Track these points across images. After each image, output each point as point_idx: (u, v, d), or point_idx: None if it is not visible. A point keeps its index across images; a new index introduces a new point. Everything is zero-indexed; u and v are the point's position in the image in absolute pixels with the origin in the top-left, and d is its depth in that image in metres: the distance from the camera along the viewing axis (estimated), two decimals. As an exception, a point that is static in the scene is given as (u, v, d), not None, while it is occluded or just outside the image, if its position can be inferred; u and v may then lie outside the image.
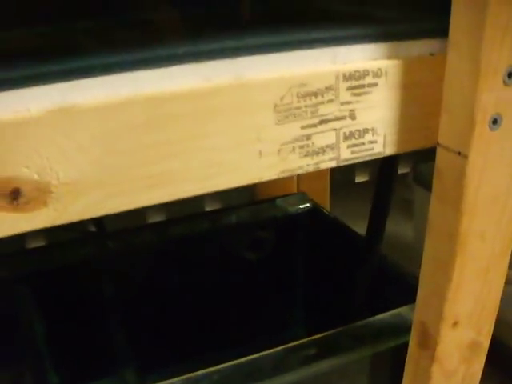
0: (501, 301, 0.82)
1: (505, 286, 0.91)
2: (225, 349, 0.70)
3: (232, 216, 0.73)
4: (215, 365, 0.48)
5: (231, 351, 0.61)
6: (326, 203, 0.88)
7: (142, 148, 0.31)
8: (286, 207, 0.76)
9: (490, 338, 0.47)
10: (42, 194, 0.30)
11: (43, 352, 0.65)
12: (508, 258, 0.44)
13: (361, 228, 0.68)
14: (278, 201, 0.77)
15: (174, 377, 0.48)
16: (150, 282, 0.70)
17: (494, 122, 0.37)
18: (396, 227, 1.16)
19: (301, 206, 0.77)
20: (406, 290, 0.50)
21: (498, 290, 0.44)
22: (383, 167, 0.58)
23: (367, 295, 0.62)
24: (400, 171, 1.22)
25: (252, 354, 0.49)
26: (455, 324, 0.43)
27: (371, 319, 0.52)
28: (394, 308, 0.54)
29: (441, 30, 0.37)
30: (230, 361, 0.48)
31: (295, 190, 0.82)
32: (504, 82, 0.37)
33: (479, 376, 0.48)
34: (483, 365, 0.47)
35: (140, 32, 0.34)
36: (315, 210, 0.77)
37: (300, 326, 0.79)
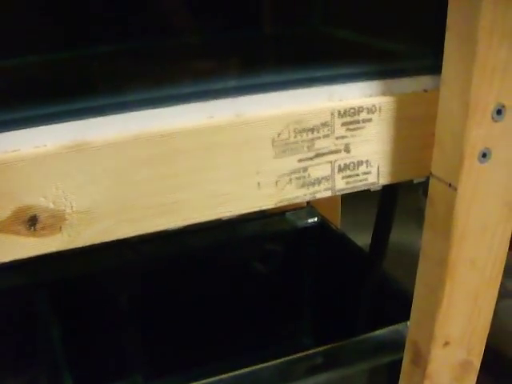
0: (501, 313, 0.84)
1: (504, 299, 0.92)
2: (235, 357, 0.72)
3: (243, 228, 0.76)
4: (223, 372, 0.51)
5: (241, 359, 0.64)
6: (336, 215, 0.90)
7: (150, 180, 0.34)
8: (295, 221, 0.79)
9: (482, 356, 0.49)
10: (57, 221, 0.33)
11: (59, 355, 0.68)
12: (499, 281, 0.46)
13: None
14: (288, 214, 0.80)
15: (179, 383, 0.51)
16: (162, 290, 0.73)
17: (484, 155, 0.39)
18: (409, 236, 1.17)
19: (309, 220, 0.79)
20: (405, 306, 0.52)
21: (488, 313, 0.46)
22: (385, 191, 0.60)
23: (368, 310, 0.64)
24: (415, 180, 1.23)
25: (261, 361, 0.51)
26: (446, 344, 0.45)
27: (370, 335, 0.54)
28: (394, 323, 0.56)
29: (435, 67, 0.39)
30: (238, 368, 0.51)
31: (305, 203, 0.85)
32: (493, 118, 0.38)
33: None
34: (474, 382, 0.49)
35: (147, 72, 0.37)
36: (323, 224, 0.79)
37: (308, 335, 0.82)
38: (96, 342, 0.69)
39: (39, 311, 0.67)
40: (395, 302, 0.62)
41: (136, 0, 0.36)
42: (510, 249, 0.45)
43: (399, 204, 0.65)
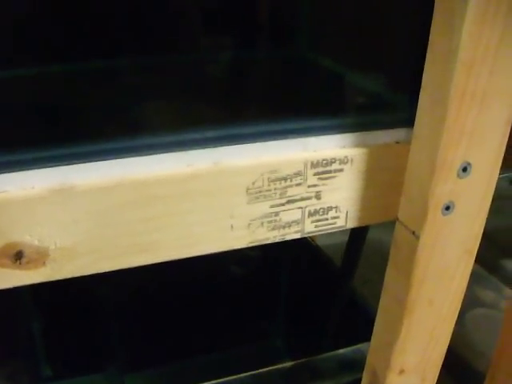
0: (469, 323, 0.87)
1: (473, 308, 0.96)
2: (211, 353, 0.76)
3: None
4: (198, 368, 0.54)
5: (217, 356, 0.66)
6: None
7: (130, 222, 0.36)
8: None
9: (435, 382, 0.52)
10: (41, 256, 0.35)
11: (38, 347, 0.71)
12: (455, 317, 0.49)
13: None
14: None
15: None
16: (141, 287, 0.76)
17: (447, 208, 0.42)
18: (386, 235, 1.20)
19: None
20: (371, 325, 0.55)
21: (444, 344, 0.49)
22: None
23: (335, 324, 0.67)
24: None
25: (234, 360, 0.54)
26: (401, 372, 0.49)
27: (332, 353, 0.57)
28: (358, 341, 0.59)
29: (408, 120, 0.41)
30: (213, 364, 0.54)
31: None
32: (458, 175, 0.41)
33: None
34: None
35: (130, 120, 0.39)
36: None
37: (279, 336, 0.85)
38: (74, 335, 0.72)
39: (20, 304, 0.70)
40: (361, 320, 0.65)
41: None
42: (475, 261, 0.48)
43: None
